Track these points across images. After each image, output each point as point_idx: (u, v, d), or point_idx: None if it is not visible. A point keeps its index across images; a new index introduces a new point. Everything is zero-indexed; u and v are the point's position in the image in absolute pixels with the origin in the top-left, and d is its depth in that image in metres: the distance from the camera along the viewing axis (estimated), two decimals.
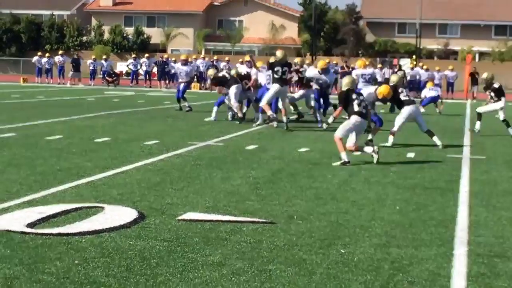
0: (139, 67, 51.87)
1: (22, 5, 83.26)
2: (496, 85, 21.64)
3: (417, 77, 47.00)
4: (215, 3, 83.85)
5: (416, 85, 46.48)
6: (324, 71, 22.93)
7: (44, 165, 12.12)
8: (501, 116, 21.39)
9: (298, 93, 22.90)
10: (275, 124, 20.43)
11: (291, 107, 23.50)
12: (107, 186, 10.41)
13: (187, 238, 7.58)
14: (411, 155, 15.58)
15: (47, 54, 53.62)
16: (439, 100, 30.32)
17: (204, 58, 50.56)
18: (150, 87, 49.48)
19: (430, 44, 74.58)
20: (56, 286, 5.92)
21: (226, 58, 49.26)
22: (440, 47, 75.64)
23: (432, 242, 7.85)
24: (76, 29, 76.17)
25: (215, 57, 51.19)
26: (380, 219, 8.90)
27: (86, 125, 19.63)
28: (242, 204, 9.54)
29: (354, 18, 79.03)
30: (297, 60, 24.39)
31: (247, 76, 22.98)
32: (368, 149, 14.45)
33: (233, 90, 21.79)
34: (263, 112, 20.98)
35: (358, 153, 14.37)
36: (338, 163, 13.74)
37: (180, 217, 8.54)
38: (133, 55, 54.89)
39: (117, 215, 8.54)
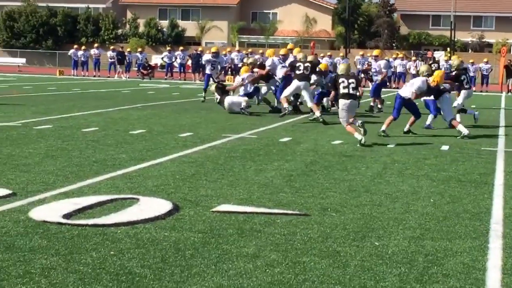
0: (173, 59, 52.00)
1: None
2: None
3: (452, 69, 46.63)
4: None
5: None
6: (324, 73, 22.65)
7: (80, 157, 12.23)
8: None
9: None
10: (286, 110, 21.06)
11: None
12: (142, 178, 10.48)
13: (221, 230, 7.62)
14: (445, 148, 15.51)
15: (83, 47, 53.95)
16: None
17: (238, 51, 50.57)
18: (185, 79, 49.66)
19: (465, 36, 74.03)
20: (92, 276, 5.99)
21: (260, 51, 49.26)
22: (474, 40, 75.04)
23: (466, 235, 7.82)
24: (112, 22, 76.59)
25: (249, 50, 51.16)
26: (414, 212, 8.88)
27: (121, 117, 19.75)
28: (276, 196, 9.57)
29: (388, 11, 78.65)
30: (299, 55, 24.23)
31: (262, 66, 24.27)
32: (356, 122, 16.04)
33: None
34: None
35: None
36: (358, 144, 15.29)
37: (214, 209, 8.59)
38: (168, 48, 55.03)
39: (152, 206, 8.60)
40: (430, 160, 13.49)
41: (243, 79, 23.83)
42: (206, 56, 29.44)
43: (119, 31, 77.75)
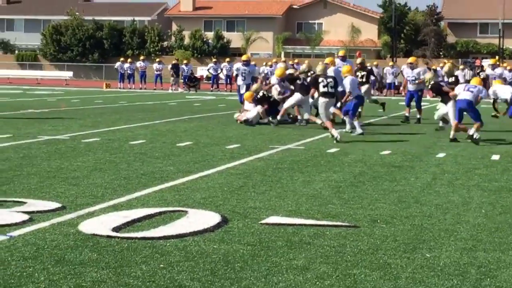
0: (219, 71, 52.15)
1: (105, 12, 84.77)
2: None
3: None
4: (294, 6, 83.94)
5: None
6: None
7: (128, 170, 12.29)
8: None
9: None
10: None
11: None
12: (190, 190, 10.49)
13: (271, 242, 7.57)
14: (495, 157, 15.31)
15: (129, 60, 54.45)
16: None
17: (284, 61, 50.56)
18: (231, 91, 49.76)
19: None
20: None
21: (306, 61, 49.21)
22: None
23: None
24: (157, 34, 77.22)
25: (295, 60, 51.12)
26: (465, 223, 8.75)
27: (168, 129, 19.84)
28: (325, 207, 9.50)
29: (435, 19, 78.17)
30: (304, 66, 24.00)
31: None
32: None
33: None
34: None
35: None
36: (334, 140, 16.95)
37: (263, 221, 8.54)
38: (214, 60, 55.24)
39: (200, 219, 8.59)
40: (481, 170, 13.32)
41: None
42: (237, 65, 27.68)
43: (165, 43, 78.36)
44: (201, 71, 63.42)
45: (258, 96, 22.36)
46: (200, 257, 6.93)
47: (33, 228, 7.92)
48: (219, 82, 52.54)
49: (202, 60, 73.25)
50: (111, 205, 9.27)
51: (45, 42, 79.47)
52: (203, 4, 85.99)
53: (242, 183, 11.24)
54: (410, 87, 24.68)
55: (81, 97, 38.48)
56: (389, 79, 50.21)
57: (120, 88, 51.81)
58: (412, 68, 24.95)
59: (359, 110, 20.99)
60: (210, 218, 8.61)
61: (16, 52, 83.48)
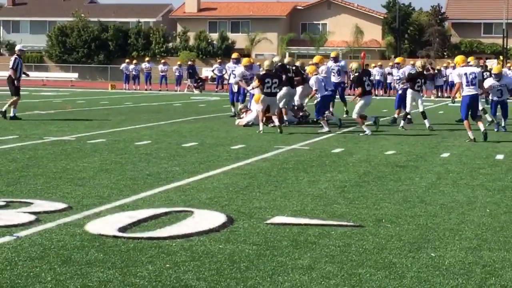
0: (224, 72, 52.14)
1: (110, 14, 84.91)
2: None
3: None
4: (299, 7, 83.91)
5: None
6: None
7: (134, 170, 12.32)
8: None
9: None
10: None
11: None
12: (196, 191, 10.52)
13: (276, 242, 7.60)
14: (500, 156, 15.32)
15: (134, 61, 54.49)
16: None
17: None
18: None
19: None
20: None
21: (310, 62, 49.18)
22: None
23: None
24: (162, 35, 77.30)
25: (300, 61, 51.09)
26: (470, 222, 8.77)
27: (173, 130, 19.87)
28: (330, 207, 9.53)
29: (439, 19, 78.09)
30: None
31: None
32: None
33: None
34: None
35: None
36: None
37: (268, 221, 8.57)
38: (218, 60, 55.26)
39: (206, 219, 8.62)
40: (485, 170, 13.34)
41: None
42: (239, 69, 24.54)
43: (170, 44, 78.40)
44: (206, 72, 63.43)
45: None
46: (206, 257, 6.96)
47: (39, 228, 7.96)
48: (224, 83, 52.53)
49: (207, 61, 73.30)
50: (117, 206, 9.31)
51: (51, 44, 79.62)
52: (208, 5, 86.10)
53: (247, 183, 11.27)
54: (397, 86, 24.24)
55: (87, 98, 38.54)
56: (389, 79, 50.17)
57: (125, 89, 51.86)
58: (399, 68, 24.73)
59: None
60: (215, 218, 8.65)
61: None
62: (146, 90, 50.85)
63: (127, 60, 54.78)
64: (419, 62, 22.87)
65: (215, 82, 53.39)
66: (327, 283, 6.25)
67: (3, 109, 22.54)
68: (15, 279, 6.16)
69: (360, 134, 19.22)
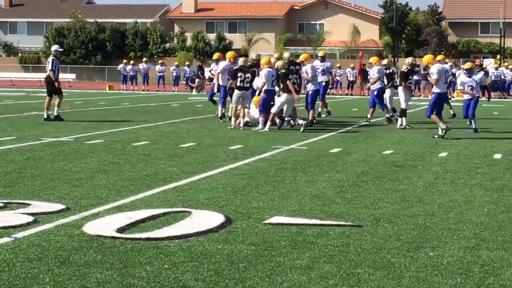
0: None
1: (107, 14, 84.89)
2: None
3: (502, 77, 46.32)
4: (296, 7, 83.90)
5: (501, 85, 45.80)
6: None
7: (132, 171, 12.32)
8: None
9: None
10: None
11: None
12: (194, 191, 10.52)
13: (274, 242, 7.60)
14: (498, 156, 15.33)
15: (131, 62, 54.46)
16: None
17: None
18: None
19: None
20: None
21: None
22: None
23: None
24: (159, 36, 77.25)
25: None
26: (468, 222, 8.77)
27: (171, 130, 19.86)
28: (328, 207, 9.52)
29: (436, 19, 78.12)
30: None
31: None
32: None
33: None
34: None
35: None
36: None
37: (266, 221, 8.57)
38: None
39: (204, 219, 8.62)
40: (483, 169, 13.34)
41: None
42: (222, 64, 24.09)
43: (167, 45, 78.37)
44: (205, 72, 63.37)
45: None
46: (204, 257, 6.96)
47: (37, 229, 7.95)
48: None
49: (204, 61, 73.25)
50: (115, 206, 9.30)
51: (48, 45, 79.40)
52: (205, 6, 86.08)
53: (246, 183, 11.27)
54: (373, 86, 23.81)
55: (84, 99, 38.53)
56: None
57: (123, 89, 51.85)
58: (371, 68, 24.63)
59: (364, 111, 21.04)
60: (213, 219, 8.64)
61: (19, 54, 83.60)
62: (143, 90, 50.81)
63: (124, 61, 54.78)
64: (407, 60, 23.13)
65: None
66: (326, 283, 6.25)
67: (56, 113, 22.72)
68: (13, 281, 6.15)
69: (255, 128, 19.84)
